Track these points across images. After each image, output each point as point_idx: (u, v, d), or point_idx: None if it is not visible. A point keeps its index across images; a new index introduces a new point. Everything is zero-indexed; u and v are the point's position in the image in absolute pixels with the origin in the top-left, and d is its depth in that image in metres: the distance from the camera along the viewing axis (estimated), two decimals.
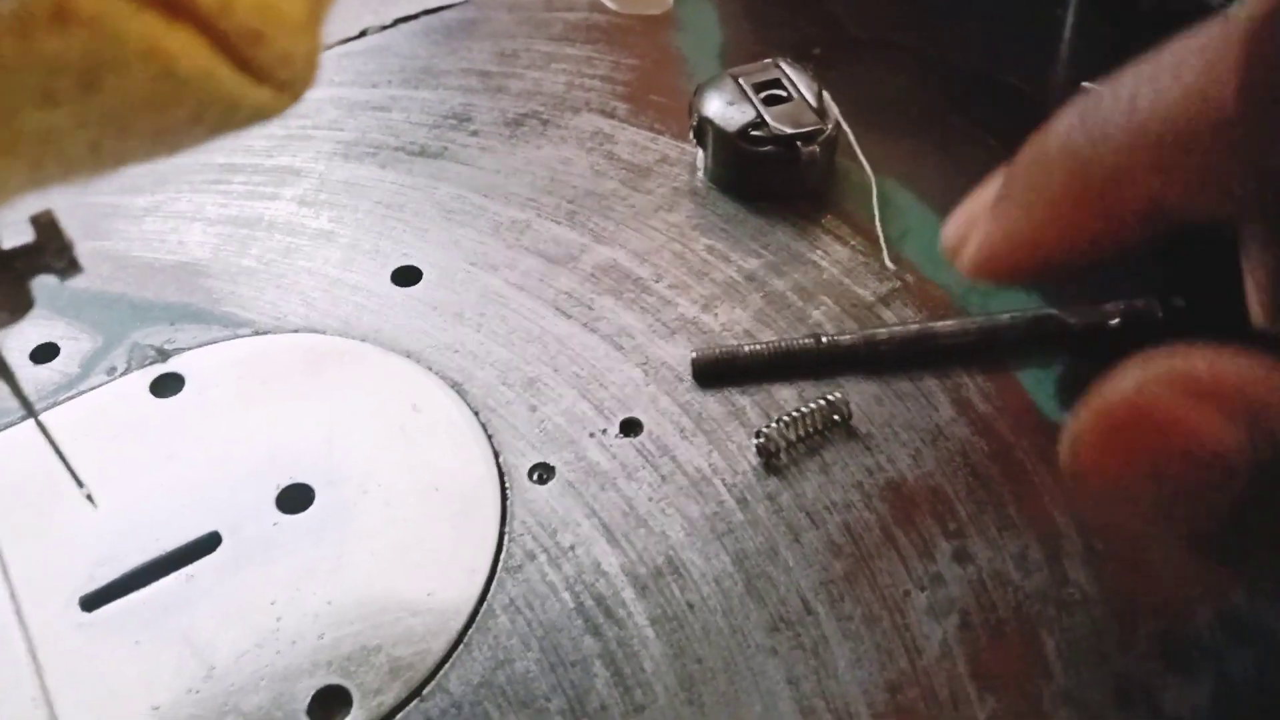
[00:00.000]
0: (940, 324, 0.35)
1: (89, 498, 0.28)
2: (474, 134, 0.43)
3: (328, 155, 0.42)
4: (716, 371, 0.34)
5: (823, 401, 0.33)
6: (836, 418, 0.33)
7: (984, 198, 0.24)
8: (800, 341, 0.34)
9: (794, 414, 0.32)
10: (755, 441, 0.32)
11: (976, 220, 0.24)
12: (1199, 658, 0.28)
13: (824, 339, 0.34)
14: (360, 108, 0.44)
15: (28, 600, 0.29)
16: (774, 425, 0.32)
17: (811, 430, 0.32)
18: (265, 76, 0.16)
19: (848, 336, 0.35)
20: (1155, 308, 0.35)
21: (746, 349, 0.34)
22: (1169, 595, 0.29)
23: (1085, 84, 0.44)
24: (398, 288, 0.38)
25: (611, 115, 0.44)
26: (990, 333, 0.35)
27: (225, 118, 0.16)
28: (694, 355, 0.34)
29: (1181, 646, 0.28)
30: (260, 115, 0.17)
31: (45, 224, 0.23)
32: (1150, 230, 0.21)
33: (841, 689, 0.28)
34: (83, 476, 0.29)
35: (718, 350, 0.34)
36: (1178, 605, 0.29)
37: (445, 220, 0.40)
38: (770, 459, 0.32)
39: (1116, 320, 0.35)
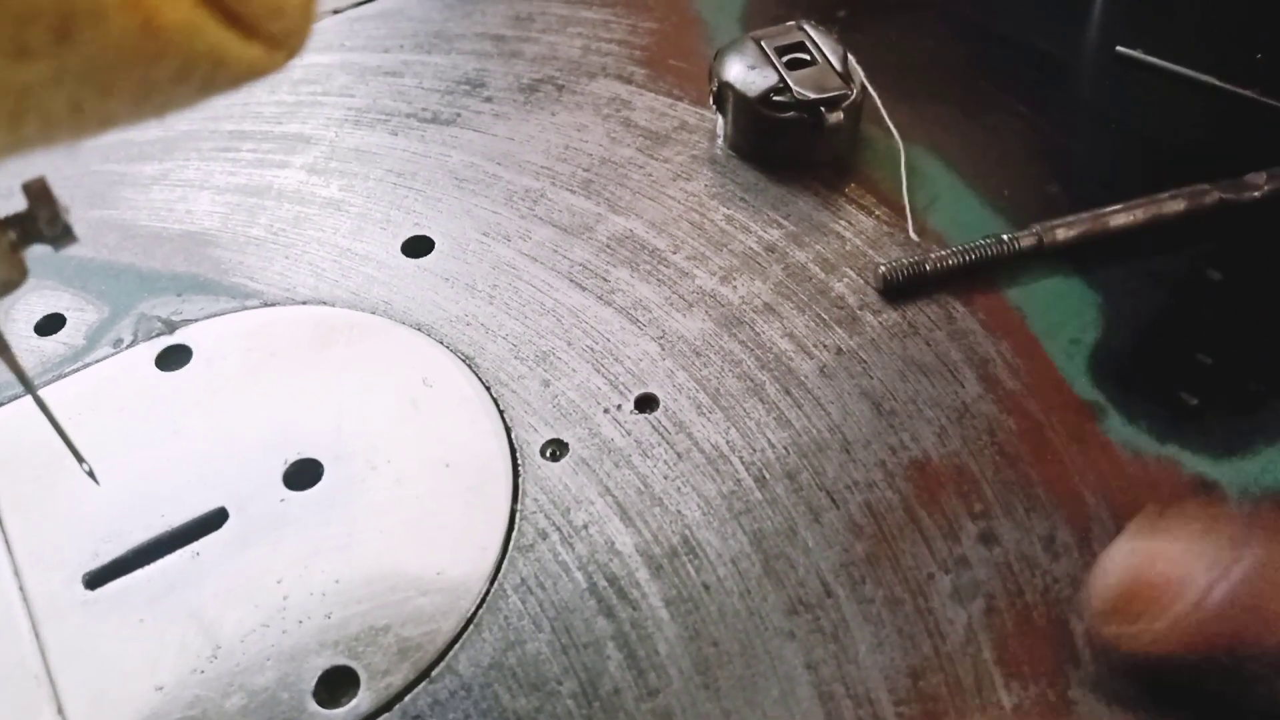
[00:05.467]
0: (1109, 210, 0.36)
1: (90, 474, 0.28)
2: (488, 100, 0.42)
3: (338, 122, 0.41)
4: (904, 284, 0.34)
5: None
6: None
7: None
8: (982, 243, 0.35)
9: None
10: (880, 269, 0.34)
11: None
12: None
13: (1005, 237, 0.35)
14: (372, 73, 0.43)
15: (31, 577, 0.29)
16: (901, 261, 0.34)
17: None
18: (255, 31, 0.15)
19: (1025, 234, 0.35)
20: None
21: (933, 255, 0.35)
22: None
23: (1119, 49, 0.43)
24: (409, 259, 0.37)
25: (629, 81, 0.43)
26: (1155, 217, 0.35)
27: (213, 76, 0.15)
28: (882, 269, 0.34)
29: None
30: (252, 74, 0.16)
31: (37, 191, 0.22)
32: None
33: (862, 674, 0.27)
34: (88, 451, 0.28)
35: (905, 262, 0.35)
36: None
37: (457, 189, 0.39)
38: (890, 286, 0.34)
39: (1260, 191, 0.36)
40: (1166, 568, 0.24)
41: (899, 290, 0.35)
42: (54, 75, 0.14)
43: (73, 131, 0.16)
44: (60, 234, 0.22)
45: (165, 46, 0.14)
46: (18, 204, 0.22)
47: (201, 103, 0.17)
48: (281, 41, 0.16)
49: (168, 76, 0.15)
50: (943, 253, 0.35)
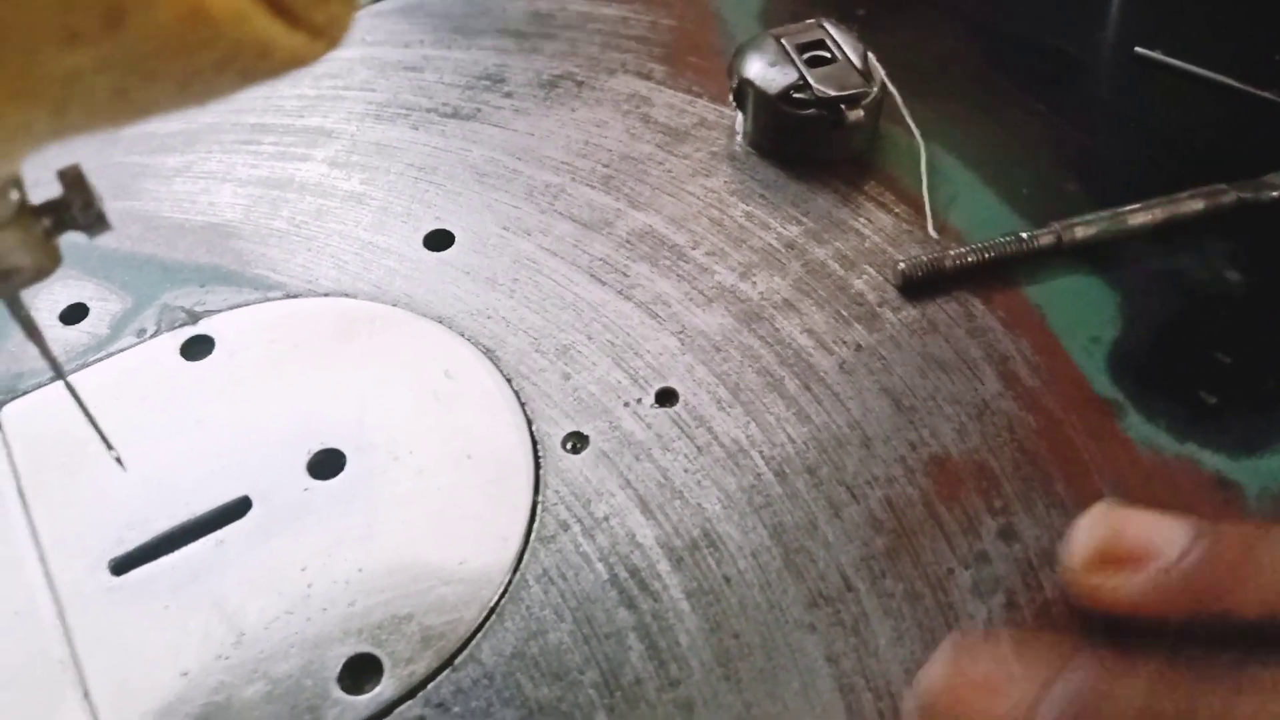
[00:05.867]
0: (1128, 209, 0.36)
1: (118, 460, 0.28)
2: (508, 96, 0.42)
3: (359, 116, 0.42)
4: (924, 280, 0.35)
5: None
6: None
7: None
8: (1001, 241, 0.35)
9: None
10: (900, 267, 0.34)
11: None
12: None
13: (1024, 235, 0.35)
14: (392, 68, 0.44)
15: (57, 563, 0.29)
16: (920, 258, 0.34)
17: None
18: (299, 20, 0.15)
19: (1044, 231, 0.35)
20: None
21: (952, 252, 0.35)
22: None
23: (1138, 49, 0.43)
24: (430, 252, 0.37)
25: (648, 77, 0.43)
26: (1173, 216, 0.36)
27: (256, 64, 0.16)
28: (902, 265, 0.34)
29: None
30: (293, 63, 0.16)
31: (72, 179, 0.22)
32: None
33: (882, 667, 0.27)
34: (112, 439, 0.28)
35: (925, 259, 0.35)
36: None
37: (478, 184, 0.39)
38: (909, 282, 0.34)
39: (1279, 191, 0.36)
40: (1149, 524, 0.26)
41: (918, 287, 0.35)
42: (101, 61, 0.14)
43: (114, 118, 0.16)
44: (94, 221, 0.22)
45: (212, 34, 0.14)
46: (52, 191, 0.22)
47: (241, 91, 0.17)
48: (323, 31, 0.16)
49: (211, 64, 0.15)
50: (962, 250, 0.35)
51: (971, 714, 0.24)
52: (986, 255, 0.35)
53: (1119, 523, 0.26)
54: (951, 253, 0.35)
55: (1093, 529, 0.26)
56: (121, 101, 0.15)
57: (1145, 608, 0.25)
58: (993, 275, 0.35)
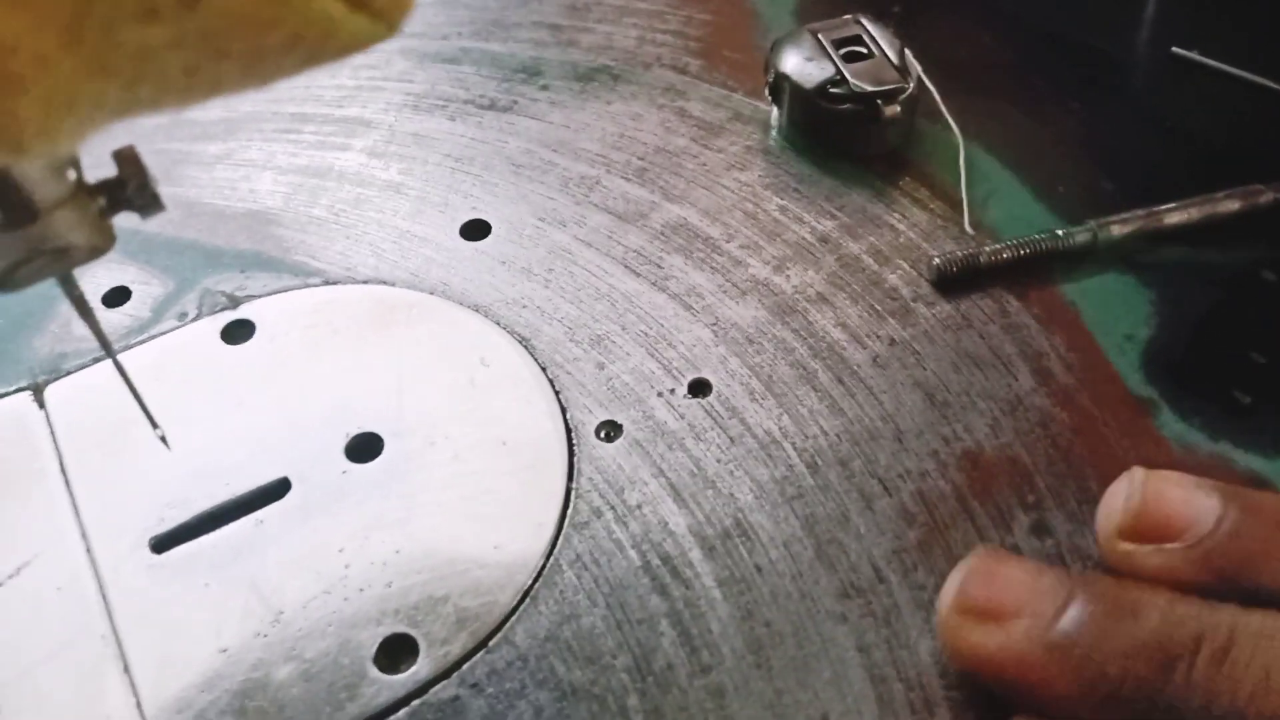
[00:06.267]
0: (1164, 208, 0.36)
1: (163, 439, 0.29)
2: (544, 88, 0.43)
3: (397, 107, 0.42)
4: (958, 276, 0.35)
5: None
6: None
7: None
8: (1036, 238, 0.35)
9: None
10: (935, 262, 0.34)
11: None
12: None
13: (1059, 232, 0.35)
14: (430, 59, 0.44)
15: (99, 541, 0.30)
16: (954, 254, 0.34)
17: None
18: (363, 3, 0.16)
19: (1080, 229, 0.35)
20: None
21: (987, 249, 0.35)
22: None
23: (1175, 49, 0.43)
24: (466, 241, 0.37)
25: (684, 71, 0.43)
26: (1209, 216, 0.36)
27: (321, 45, 0.16)
28: (936, 261, 0.35)
29: None
30: (356, 44, 0.16)
31: (128, 159, 0.23)
32: None
33: (914, 658, 0.27)
34: (156, 419, 0.29)
35: (960, 254, 0.35)
36: None
37: (514, 175, 0.39)
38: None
39: None
40: (1184, 493, 0.26)
41: (953, 283, 0.35)
42: (175, 38, 0.15)
43: (182, 96, 0.17)
44: (149, 202, 0.23)
45: (282, 12, 0.15)
46: (106, 172, 0.23)
47: (304, 72, 0.17)
48: (385, 14, 0.16)
49: (279, 43, 0.15)
50: (997, 246, 0.35)
51: (1000, 612, 0.25)
52: (1022, 252, 0.35)
53: (1154, 491, 0.26)
54: (986, 249, 0.35)
55: (1127, 497, 0.27)
56: (191, 79, 0.16)
57: (1178, 578, 0.25)
58: (1028, 272, 0.35)
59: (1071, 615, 0.24)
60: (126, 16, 0.14)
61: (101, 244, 0.23)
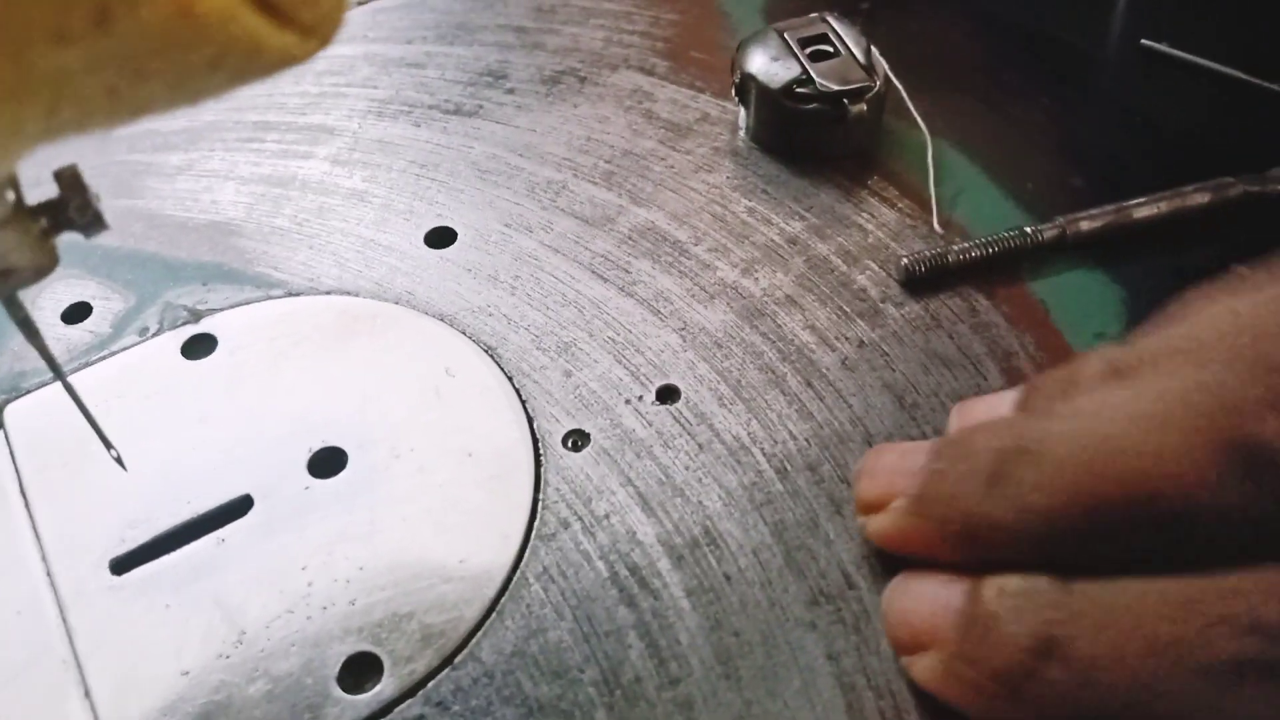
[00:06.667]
0: (1133, 202, 0.36)
1: (118, 460, 0.28)
2: (510, 92, 0.42)
3: (361, 113, 0.42)
4: (927, 276, 0.35)
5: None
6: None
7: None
8: (1005, 235, 0.35)
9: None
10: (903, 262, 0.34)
11: None
12: None
13: (1028, 229, 0.35)
14: (394, 64, 0.44)
15: (58, 562, 0.29)
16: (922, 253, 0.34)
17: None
18: (288, 19, 0.15)
19: (1049, 226, 0.35)
20: None
21: (956, 248, 0.35)
22: None
23: (1144, 42, 0.43)
24: (431, 249, 0.37)
25: (650, 72, 0.43)
26: (1179, 210, 0.36)
27: (247, 63, 0.15)
28: (905, 261, 0.34)
29: None
30: (284, 62, 0.16)
31: (69, 179, 0.22)
32: None
33: (883, 665, 0.27)
34: (114, 438, 0.28)
35: (928, 254, 0.35)
36: None
37: (480, 180, 0.39)
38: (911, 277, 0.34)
39: None
40: (895, 458, 0.28)
41: (921, 283, 0.35)
42: (91, 61, 0.14)
43: (107, 118, 0.16)
44: (91, 221, 0.22)
45: (201, 32, 0.14)
46: (49, 191, 0.22)
47: (234, 90, 0.17)
48: (314, 30, 0.16)
49: (203, 63, 0.15)
50: (965, 245, 0.35)
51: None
52: (990, 250, 0.35)
53: (872, 458, 0.28)
54: (955, 248, 0.35)
55: (854, 473, 0.29)
56: (114, 101, 0.15)
57: (903, 531, 0.27)
58: (997, 270, 0.35)
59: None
60: (35, 40, 0.13)
61: (46, 265, 0.23)
